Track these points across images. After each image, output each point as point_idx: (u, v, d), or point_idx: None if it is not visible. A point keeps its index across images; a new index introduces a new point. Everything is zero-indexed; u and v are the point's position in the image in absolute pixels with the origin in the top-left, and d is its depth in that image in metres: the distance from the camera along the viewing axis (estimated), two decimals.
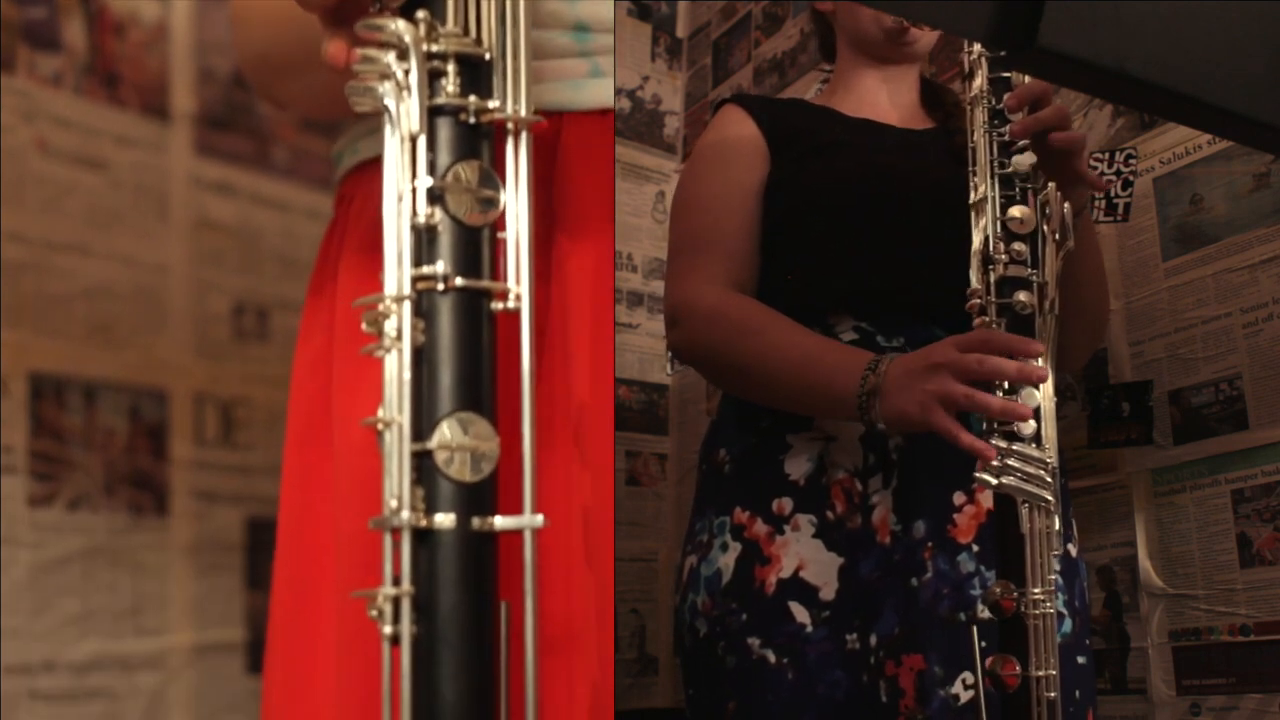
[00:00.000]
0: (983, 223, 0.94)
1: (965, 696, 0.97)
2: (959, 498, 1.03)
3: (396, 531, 0.73)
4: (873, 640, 1.02)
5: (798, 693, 1.02)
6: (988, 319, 0.92)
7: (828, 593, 1.04)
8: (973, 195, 0.96)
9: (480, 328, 0.70)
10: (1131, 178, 1.43)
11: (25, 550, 1.39)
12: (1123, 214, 1.43)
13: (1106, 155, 1.45)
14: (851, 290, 1.09)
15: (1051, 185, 0.95)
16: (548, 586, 0.83)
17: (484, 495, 0.74)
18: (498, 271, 0.71)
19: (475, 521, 0.74)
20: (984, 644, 0.89)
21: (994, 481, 0.88)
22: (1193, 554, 1.34)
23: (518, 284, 0.71)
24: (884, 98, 1.23)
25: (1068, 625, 1.04)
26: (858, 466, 1.06)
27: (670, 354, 2.17)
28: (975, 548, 1.02)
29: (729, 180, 1.16)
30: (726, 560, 1.08)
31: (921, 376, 0.92)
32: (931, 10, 0.61)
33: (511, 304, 0.70)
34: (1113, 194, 1.43)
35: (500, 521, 0.74)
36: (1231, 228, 1.34)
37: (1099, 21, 0.58)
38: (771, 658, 1.03)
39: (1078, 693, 1.02)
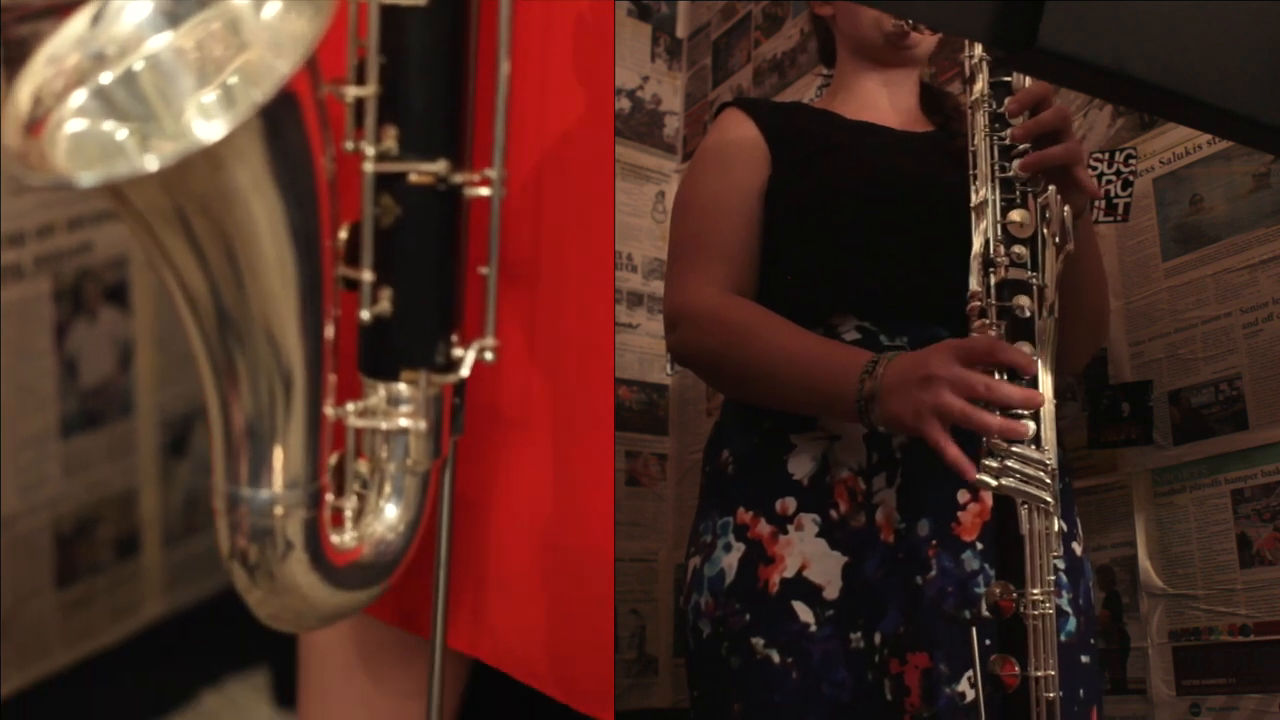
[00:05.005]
0: (983, 226, 0.95)
1: (971, 694, 0.97)
2: (963, 495, 1.04)
3: None
4: (877, 639, 1.02)
5: (802, 693, 1.02)
6: (988, 321, 0.92)
7: (831, 592, 1.04)
8: (973, 199, 0.96)
9: None
10: (1131, 178, 1.43)
11: None
12: (1123, 214, 1.44)
13: (1106, 155, 1.45)
14: (853, 291, 1.10)
15: (1052, 189, 0.95)
16: None
17: None
18: None
19: None
20: (988, 642, 0.89)
21: (993, 483, 0.88)
22: (1193, 554, 1.34)
23: None
24: (884, 101, 1.23)
25: (1072, 624, 1.04)
26: (861, 465, 1.06)
27: (669, 356, 2.17)
28: (979, 545, 1.02)
29: (730, 183, 1.16)
30: (729, 560, 1.08)
31: (918, 385, 0.92)
32: (931, 11, 0.61)
33: None
34: (1113, 194, 1.44)
35: None
36: (1231, 228, 1.34)
37: (1099, 21, 0.58)
38: (776, 658, 1.03)
39: (1082, 691, 1.02)
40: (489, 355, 0.80)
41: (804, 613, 1.04)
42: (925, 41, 1.22)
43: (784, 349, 1.04)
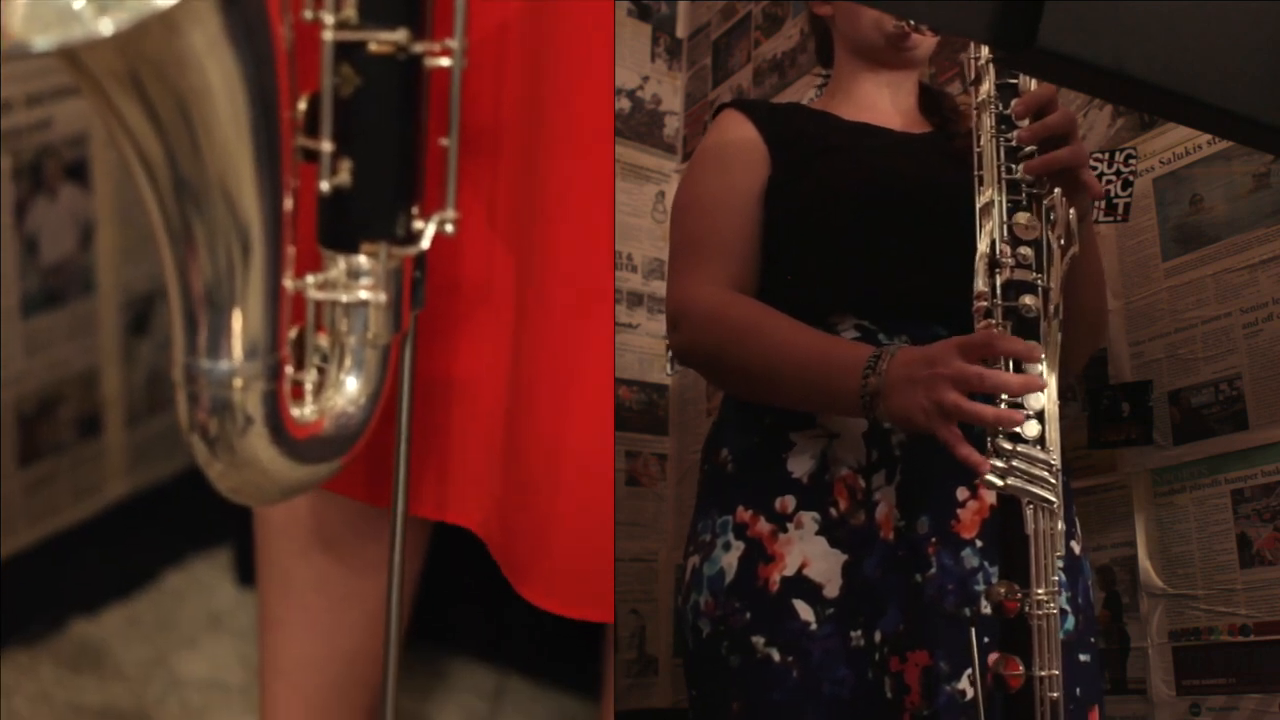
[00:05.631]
0: (989, 227, 0.95)
1: (971, 693, 0.98)
2: (962, 493, 1.04)
3: None
4: (877, 637, 1.02)
5: (803, 691, 1.02)
6: (994, 321, 0.92)
7: (832, 590, 1.04)
8: (979, 200, 0.96)
9: None
10: (1131, 178, 1.43)
11: None
12: (1123, 214, 1.44)
13: (1106, 155, 1.45)
14: (852, 291, 1.10)
15: (1057, 191, 0.96)
16: None
17: None
18: None
19: None
20: (986, 640, 0.90)
21: (1000, 483, 0.88)
22: (1193, 554, 1.34)
23: None
24: (884, 102, 1.23)
25: (1070, 623, 1.04)
26: (861, 463, 1.07)
27: (672, 356, 2.17)
28: (979, 543, 1.03)
29: (729, 183, 1.16)
30: (729, 559, 1.08)
31: (922, 381, 0.92)
32: (932, 10, 0.61)
33: None
34: (1113, 194, 1.44)
35: None
36: (1231, 228, 1.34)
37: (1098, 21, 0.58)
38: (776, 656, 1.03)
39: (1079, 691, 1.02)
40: (449, 227, 0.80)
41: (804, 611, 1.04)
42: (925, 43, 1.21)
43: (786, 346, 1.04)
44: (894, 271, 1.08)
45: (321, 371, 0.82)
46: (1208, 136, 1.34)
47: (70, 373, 1.51)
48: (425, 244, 0.80)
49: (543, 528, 0.94)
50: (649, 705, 2.08)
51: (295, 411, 0.81)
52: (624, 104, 2.33)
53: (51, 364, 1.49)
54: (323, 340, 0.82)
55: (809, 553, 1.05)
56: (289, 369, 0.80)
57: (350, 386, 0.82)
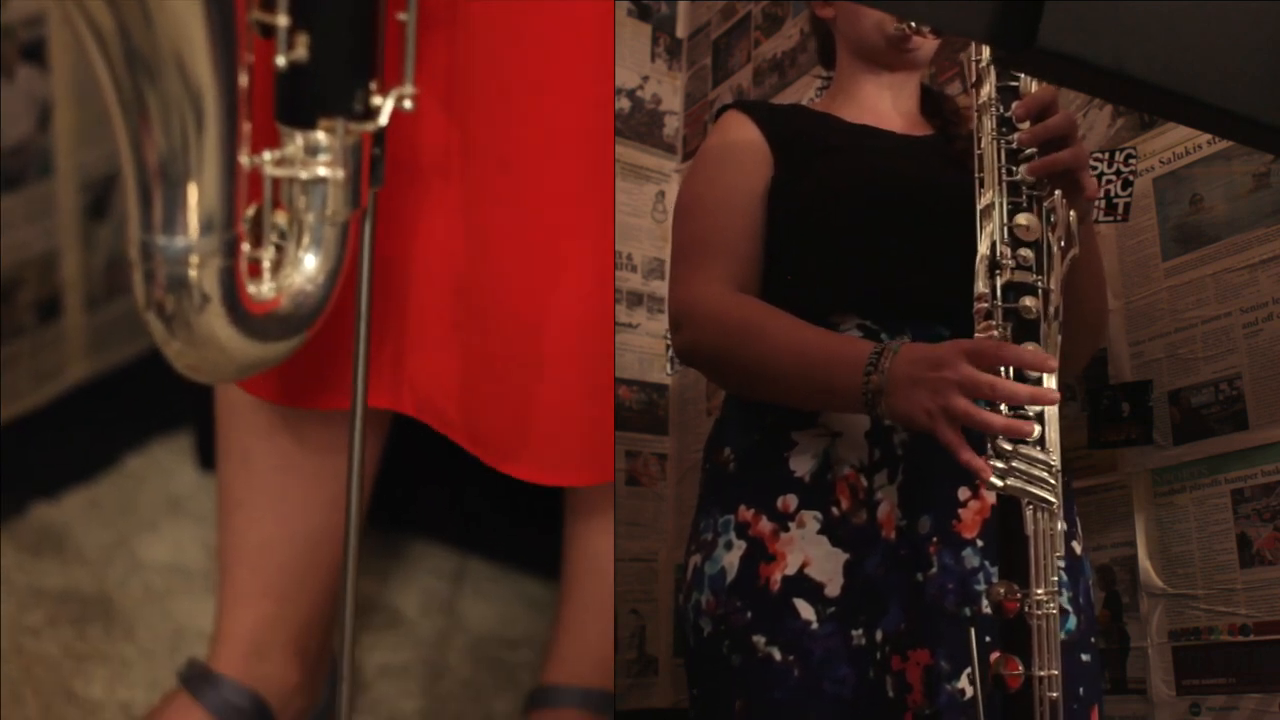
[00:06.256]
0: (990, 229, 0.95)
1: (971, 691, 0.98)
2: (963, 493, 1.04)
3: None
4: (879, 636, 1.03)
5: (804, 690, 1.02)
6: (994, 323, 0.92)
7: (833, 589, 1.04)
8: (980, 202, 0.96)
9: None
10: (1131, 178, 1.44)
11: None
12: (1123, 214, 1.44)
13: (1106, 155, 1.45)
14: (853, 291, 1.10)
15: (1058, 193, 0.96)
16: None
17: None
18: None
19: None
20: (988, 639, 0.90)
21: (1000, 484, 0.89)
22: (1193, 554, 1.34)
23: None
24: (885, 104, 1.23)
25: (1072, 623, 1.04)
26: (863, 462, 1.07)
27: (675, 357, 2.17)
28: (980, 543, 1.03)
29: (732, 184, 1.16)
30: (731, 558, 1.08)
31: (928, 384, 0.92)
32: (932, 11, 0.61)
33: None
34: (1113, 194, 1.44)
35: None
36: (1231, 228, 1.34)
37: (1098, 21, 0.58)
38: (777, 655, 1.03)
39: (1081, 690, 1.02)
40: (408, 103, 0.80)
41: (805, 610, 1.04)
42: (926, 45, 1.21)
43: (789, 344, 1.04)
44: (895, 272, 1.08)
45: (280, 249, 0.82)
46: (1208, 136, 1.34)
47: (29, 255, 1.49)
48: (384, 120, 0.80)
49: (528, 402, 0.94)
50: (649, 705, 2.08)
51: (252, 289, 0.80)
52: (624, 104, 2.34)
53: (10, 247, 1.46)
54: (281, 218, 0.81)
55: (810, 552, 1.05)
56: (246, 246, 0.79)
57: (309, 264, 0.82)
